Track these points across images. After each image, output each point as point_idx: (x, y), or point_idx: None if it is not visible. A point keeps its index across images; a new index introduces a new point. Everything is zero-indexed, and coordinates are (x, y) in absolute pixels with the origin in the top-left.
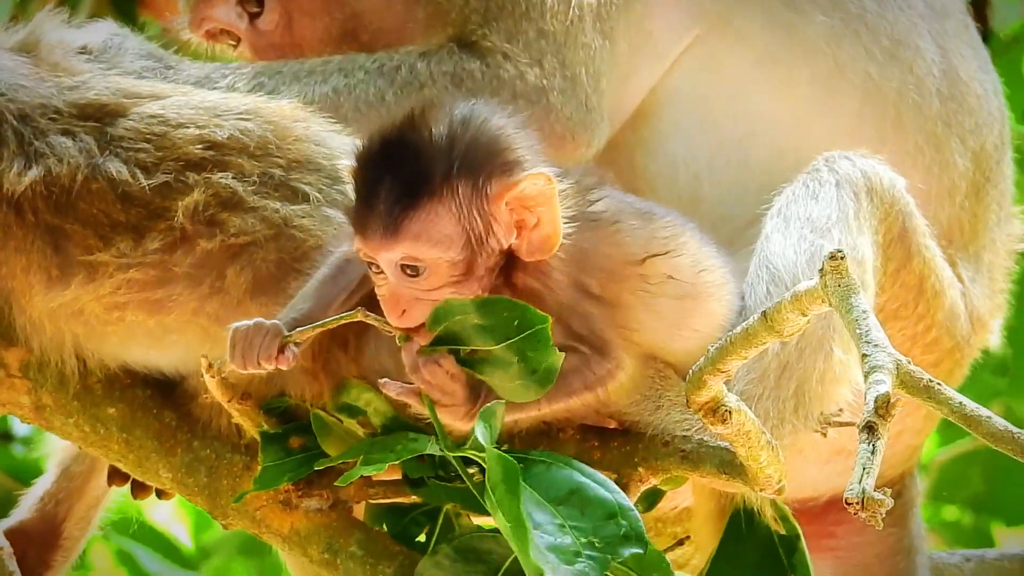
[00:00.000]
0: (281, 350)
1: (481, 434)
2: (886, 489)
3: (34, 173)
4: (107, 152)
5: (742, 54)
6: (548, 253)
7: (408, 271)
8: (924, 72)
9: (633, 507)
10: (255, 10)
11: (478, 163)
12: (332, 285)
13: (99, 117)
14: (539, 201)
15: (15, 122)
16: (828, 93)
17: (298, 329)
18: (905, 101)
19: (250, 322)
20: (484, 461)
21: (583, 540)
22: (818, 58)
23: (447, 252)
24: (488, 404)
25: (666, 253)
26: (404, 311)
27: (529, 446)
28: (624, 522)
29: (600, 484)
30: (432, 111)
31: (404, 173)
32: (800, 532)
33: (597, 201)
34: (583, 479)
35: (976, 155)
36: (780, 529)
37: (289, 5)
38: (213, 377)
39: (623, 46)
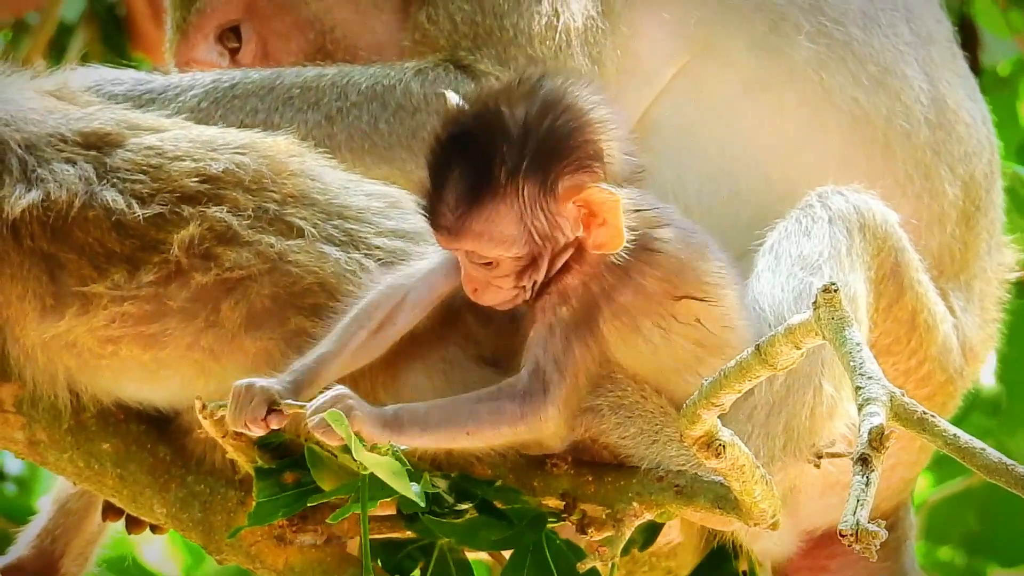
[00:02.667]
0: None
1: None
2: (880, 521)
3: (32, 197)
4: (104, 181)
5: (729, 80)
6: (614, 249)
7: (477, 259)
8: (912, 99)
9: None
10: (234, 45)
11: (548, 161)
12: (353, 328)
13: (100, 146)
14: (604, 207)
15: (20, 150)
16: (816, 120)
17: (286, 402)
18: (894, 128)
19: (246, 382)
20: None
21: None
22: (805, 85)
23: (510, 250)
24: None
25: (702, 300)
26: (476, 290)
27: (523, 480)
28: None
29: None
30: (516, 90)
31: (470, 168)
32: None
33: (664, 227)
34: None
35: (966, 183)
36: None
37: (264, 32)
38: (207, 419)
39: (611, 69)
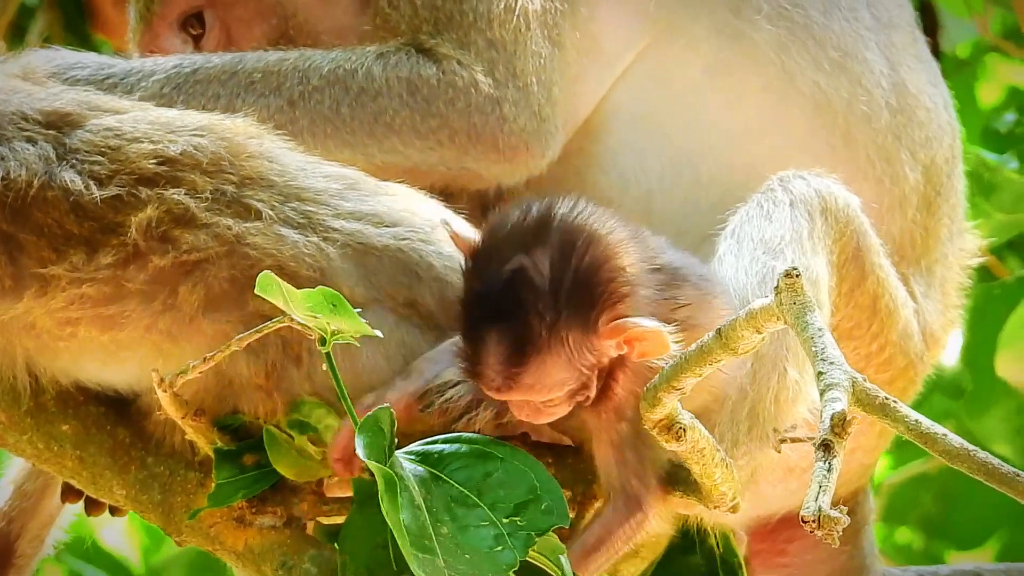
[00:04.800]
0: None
1: (361, 448)
2: (842, 507)
3: None
4: (63, 162)
5: (691, 64)
6: (661, 355)
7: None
8: (873, 84)
9: (554, 480)
10: (198, 32)
11: (584, 306)
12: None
13: (60, 126)
14: (645, 339)
15: None
16: (778, 105)
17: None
18: (855, 113)
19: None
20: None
21: (505, 520)
22: (767, 68)
23: (562, 389)
24: (373, 412)
25: None
26: (528, 415)
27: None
28: (546, 496)
29: (520, 461)
30: (530, 234)
31: (508, 330)
32: (742, 560)
33: (682, 307)
34: (501, 459)
35: (927, 168)
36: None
37: (227, 18)
38: (165, 392)
39: (572, 53)
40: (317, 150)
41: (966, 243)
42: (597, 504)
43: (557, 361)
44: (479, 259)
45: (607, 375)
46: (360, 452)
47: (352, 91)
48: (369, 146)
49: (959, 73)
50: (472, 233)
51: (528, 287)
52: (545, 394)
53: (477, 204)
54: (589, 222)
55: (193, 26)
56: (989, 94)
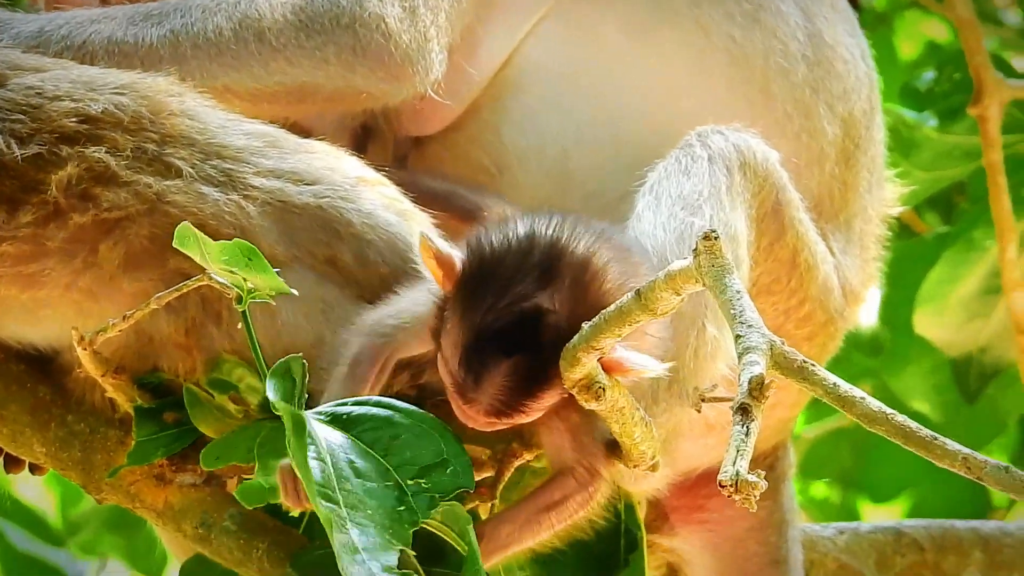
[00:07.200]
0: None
1: (272, 391)
2: (760, 472)
3: None
4: None
5: (604, 21)
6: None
7: None
8: (788, 36)
9: (462, 449)
10: None
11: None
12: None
13: None
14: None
15: None
16: (695, 61)
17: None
18: (772, 67)
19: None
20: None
21: (410, 482)
22: (681, 23)
23: (544, 410)
24: (285, 359)
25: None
26: (482, 425)
27: None
28: (453, 461)
29: (428, 426)
30: (545, 274)
31: (525, 363)
32: (643, 532)
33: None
34: (410, 423)
35: (845, 121)
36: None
37: None
38: (85, 349)
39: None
40: (201, 75)
41: (886, 194)
42: (518, 462)
43: (557, 391)
44: (478, 289)
45: None
46: (271, 394)
47: (235, 17)
48: (254, 67)
49: (878, 27)
50: (449, 249)
51: (548, 326)
52: (533, 416)
53: (392, 155)
54: (592, 251)
55: None
56: (908, 49)
